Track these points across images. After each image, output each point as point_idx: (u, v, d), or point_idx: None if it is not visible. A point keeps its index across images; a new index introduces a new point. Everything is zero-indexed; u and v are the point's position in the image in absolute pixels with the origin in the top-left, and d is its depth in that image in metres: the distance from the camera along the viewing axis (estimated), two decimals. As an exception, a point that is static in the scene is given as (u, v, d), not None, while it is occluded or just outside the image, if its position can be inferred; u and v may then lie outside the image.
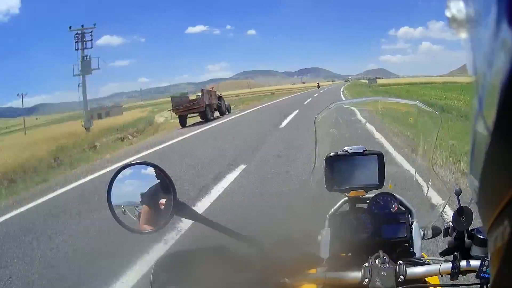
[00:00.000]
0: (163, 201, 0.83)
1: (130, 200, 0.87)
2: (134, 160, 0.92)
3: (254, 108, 27.12)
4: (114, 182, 0.84)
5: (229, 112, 23.97)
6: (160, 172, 0.83)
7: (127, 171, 0.85)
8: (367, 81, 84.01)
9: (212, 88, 23.44)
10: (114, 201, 0.84)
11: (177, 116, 20.50)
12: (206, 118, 19.62)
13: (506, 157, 0.21)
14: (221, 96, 23.50)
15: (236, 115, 21.62)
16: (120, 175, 0.84)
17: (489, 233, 0.25)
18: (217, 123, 17.50)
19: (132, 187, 0.87)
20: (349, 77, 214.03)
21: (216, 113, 21.84)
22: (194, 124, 18.54)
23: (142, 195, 0.85)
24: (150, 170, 0.84)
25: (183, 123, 19.78)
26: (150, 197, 0.85)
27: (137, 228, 0.85)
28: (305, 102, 27.53)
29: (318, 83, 55.30)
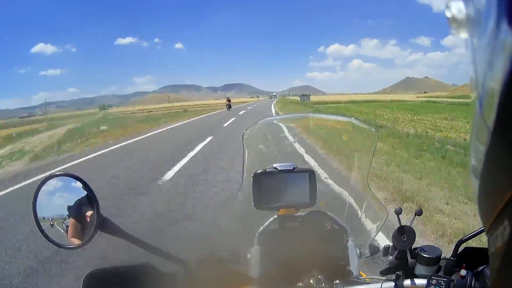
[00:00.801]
0: (89, 213, 0.81)
1: (57, 213, 0.84)
2: (57, 171, 0.88)
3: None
4: (39, 194, 0.81)
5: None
6: (84, 185, 0.81)
7: (53, 183, 0.83)
8: (298, 98, 76.54)
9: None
10: (40, 213, 0.81)
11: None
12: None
13: (506, 157, 0.21)
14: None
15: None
16: (45, 187, 0.82)
17: (489, 233, 0.25)
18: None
19: (58, 200, 0.84)
20: (274, 93, 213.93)
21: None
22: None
23: (69, 208, 0.83)
24: (77, 182, 0.82)
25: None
26: (76, 210, 0.82)
27: (65, 242, 0.82)
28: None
29: (229, 101, 38.64)
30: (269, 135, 1.23)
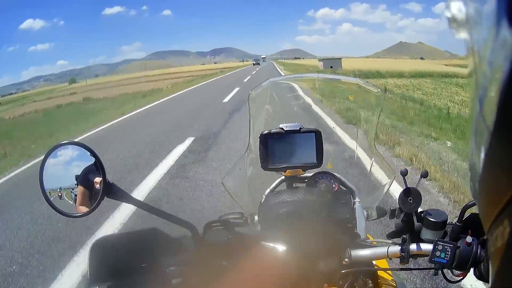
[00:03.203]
0: (97, 180, 0.80)
1: (64, 184, 0.83)
2: (63, 141, 0.83)
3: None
4: (45, 165, 0.79)
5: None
6: (90, 153, 0.80)
7: (58, 152, 0.81)
8: (321, 65, 52.54)
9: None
10: (47, 185, 0.80)
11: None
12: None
13: (506, 157, 0.21)
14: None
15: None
16: (51, 158, 0.80)
17: (489, 233, 0.25)
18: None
19: (65, 169, 0.83)
20: (263, 56, 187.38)
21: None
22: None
23: (77, 177, 0.82)
24: (83, 150, 0.80)
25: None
26: (84, 178, 0.81)
27: (73, 210, 0.81)
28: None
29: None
30: (275, 95, 1.20)
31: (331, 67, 45.94)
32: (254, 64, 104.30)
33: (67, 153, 0.83)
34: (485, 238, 0.78)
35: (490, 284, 0.25)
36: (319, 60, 53.05)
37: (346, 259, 0.83)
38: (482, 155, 0.24)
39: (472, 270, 0.76)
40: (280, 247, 0.86)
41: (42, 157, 0.80)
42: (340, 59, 55.83)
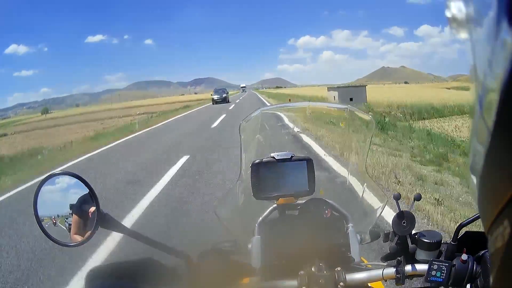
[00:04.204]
0: (91, 210, 0.81)
1: (59, 212, 0.84)
2: (57, 171, 0.87)
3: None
4: (40, 192, 0.81)
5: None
6: (83, 183, 0.82)
7: (53, 182, 0.83)
8: (334, 96, 31.32)
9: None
10: (41, 212, 0.81)
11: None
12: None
13: (506, 157, 0.21)
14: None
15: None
16: (46, 186, 0.82)
17: (489, 233, 0.25)
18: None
19: (60, 198, 0.85)
20: (243, 86, 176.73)
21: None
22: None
23: (72, 206, 0.83)
24: (77, 181, 0.82)
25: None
26: (79, 207, 0.83)
27: (67, 239, 0.83)
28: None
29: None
30: (266, 125, 1.22)
31: (351, 99, 27.06)
32: (241, 92, 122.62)
33: (62, 181, 0.84)
34: (480, 254, 0.80)
35: (490, 284, 0.25)
36: (330, 89, 34.89)
37: (341, 283, 0.83)
38: (482, 155, 0.24)
39: (468, 286, 0.78)
40: (274, 276, 0.88)
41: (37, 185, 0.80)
42: (365, 86, 33.73)
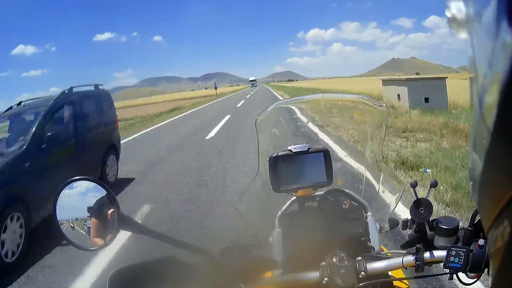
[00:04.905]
0: (110, 212, 0.81)
1: (77, 216, 0.84)
2: (75, 177, 0.84)
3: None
4: (59, 199, 0.82)
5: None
6: (101, 186, 0.82)
7: (71, 187, 0.83)
8: (400, 93, 13.06)
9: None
10: (60, 217, 0.82)
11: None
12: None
13: (506, 157, 0.21)
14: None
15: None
16: (64, 192, 0.82)
17: (489, 233, 0.25)
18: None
19: (78, 202, 0.85)
20: (252, 79, 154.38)
21: None
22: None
23: (90, 209, 0.83)
24: (95, 185, 0.83)
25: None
26: (98, 210, 0.83)
27: (87, 243, 0.83)
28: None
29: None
30: (281, 118, 1.23)
31: (427, 100, 12.29)
32: (251, 86, 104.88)
33: (80, 186, 0.85)
34: None
35: (490, 284, 0.25)
36: (389, 82, 15.73)
37: (363, 273, 0.84)
38: (482, 155, 0.24)
39: (486, 271, 0.78)
40: (296, 268, 0.88)
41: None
42: (444, 79, 13.09)
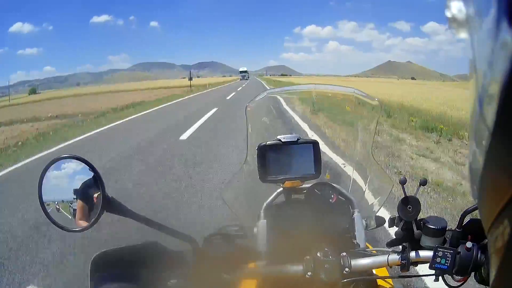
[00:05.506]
0: (96, 195, 0.80)
1: (63, 197, 0.83)
2: (63, 154, 0.83)
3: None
4: (45, 178, 0.80)
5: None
6: (90, 167, 0.80)
7: (58, 166, 0.81)
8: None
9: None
10: (46, 197, 0.80)
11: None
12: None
13: (506, 157, 0.21)
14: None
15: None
16: (50, 170, 0.80)
17: (489, 233, 0.25)
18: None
19: (64, 183, 0.83)
20: (243, 69, 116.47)
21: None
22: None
23: (76, 190, 0.82)
24: (83, 164, 0.81)
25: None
26: (83, 192, 0.81)
27: (71, 224, 0.81)
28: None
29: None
30: (272, 107, 1.23)
31: None
32: (241, 79, 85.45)
33: (66, 166, 0.83)
34: (485, 242, 0.79)
35: (490, 284, 0.25)
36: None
37: (347, 269, 0.83)
38: (482, 155, 0.23)
39: (473, 274, 0.78)
40: (280, 260, 0.88)
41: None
42: None
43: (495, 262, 0.24)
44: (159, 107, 19.53)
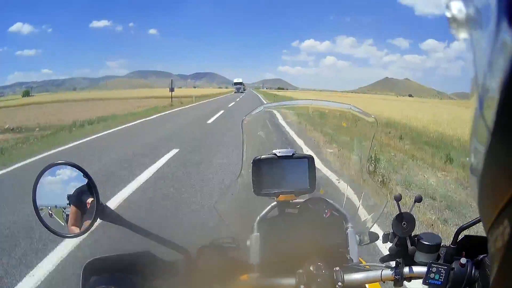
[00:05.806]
0: (89, 201, 0.80)
1: (57, 202, 0.83)
2: (58, 160, 0.83)
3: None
4: (39, 183, 0.80)
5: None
6: (84, 174, 0.80)
7: (53, 171, 0.82)
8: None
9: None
10: (40, 202, 0.80)
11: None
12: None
13: (506, 157, 0.21)
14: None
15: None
16: (45, 176, 0.81)
17: (489, 233, 0.25)
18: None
19: (58, 188, 0.83)
20: (238, 81, 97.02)
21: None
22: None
23: (70, 197, 0.82)
24: (77, 171, 0.81)
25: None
26: (77, 198, 0.82)
27: (64, 230, 0.81)
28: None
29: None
30: (268, 121, 1.24)
31: None
32: (236, 92, 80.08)
33: (61, 172, 0.83)
34: (479, 258, 0.80)
35: (490, 284, 0.25)
36: None
37: (339, 283, 0.83)
38: (482, 155, 0.24)
39: None
40: (273, 273, 0.88)
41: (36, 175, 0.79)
42: None
43: (495, 262, 0.24)
44: (118, 128, 13.73)
